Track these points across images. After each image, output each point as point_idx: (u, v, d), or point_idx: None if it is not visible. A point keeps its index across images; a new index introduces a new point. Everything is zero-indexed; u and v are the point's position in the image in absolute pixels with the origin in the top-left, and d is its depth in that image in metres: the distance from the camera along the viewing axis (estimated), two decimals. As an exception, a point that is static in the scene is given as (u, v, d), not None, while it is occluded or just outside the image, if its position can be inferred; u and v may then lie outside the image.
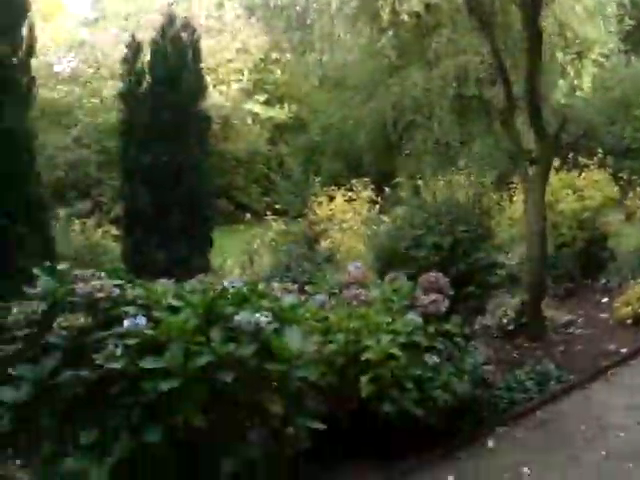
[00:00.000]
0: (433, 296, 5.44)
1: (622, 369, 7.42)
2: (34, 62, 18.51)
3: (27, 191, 6.42)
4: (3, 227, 6.24)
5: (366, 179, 14.71)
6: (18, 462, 5.33)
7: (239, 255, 11.64)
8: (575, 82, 23.80)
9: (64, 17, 28.43)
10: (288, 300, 4.52)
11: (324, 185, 14.29)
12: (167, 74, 8.13)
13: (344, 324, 5.26)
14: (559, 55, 21.91)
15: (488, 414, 5.74)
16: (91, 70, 21.23)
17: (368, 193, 13.89)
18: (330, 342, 5.18)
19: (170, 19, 8.52)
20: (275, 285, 4.86)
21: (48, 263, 4.39)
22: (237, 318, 3.97)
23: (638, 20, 27.70)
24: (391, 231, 7.29)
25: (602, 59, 24.21)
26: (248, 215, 16.11)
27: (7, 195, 6.24)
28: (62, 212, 11.71)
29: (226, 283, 4.38)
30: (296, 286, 5.26)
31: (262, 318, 3.96)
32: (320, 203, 13.42)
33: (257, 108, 22.92)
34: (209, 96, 19.15)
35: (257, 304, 4.30)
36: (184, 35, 8.42)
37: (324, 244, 12.19)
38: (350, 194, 13.75)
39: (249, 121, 22.70)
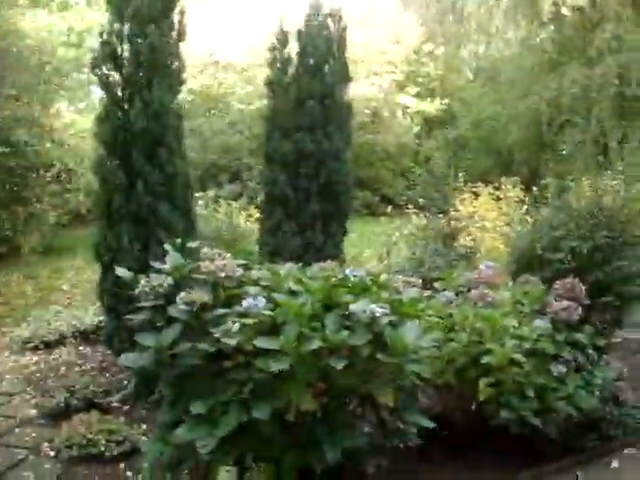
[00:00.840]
0: (565, 303, 5.19)
1: None
2: (196, 50, 19.43)
3: (173, 171, 6.71)
4: (146, 205, 6.57)
5: (516, 178, 14.29)
6: (144, 427, 5.68)
7: (378, 246, 11.68)
8: None
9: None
10: (409, 294, 4.47)
11: (472, 181, 14.01)
12: (312, 63, 8.20)
13: (468, 323, 5.13)
14: None
15: (616, 433, 5.40)
16: (246, 58, 21.84)
17: (516, 192, 13.47)
18: (451, 340, 5.08)
19: (316, 8, 8.58)
20: (399, 278, 4.81)
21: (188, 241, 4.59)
22: (352, 307, 3.98)
23: None
24: (529, 232, 7.03)
25: None
26: (390, 208, 16.11)
27: (152, 174, 6.55)
28: (210, 193, 12.24)
29: (347, 272, 4.40)
30: (420, 281, 5.17)
31: (378, 309, 3.93)
32: (464, 200, 13.17)
33: (408, 101, 22.76)
34: (360, 87, 19.40)
35: (376, 295, 4.28)
36: (330, 24, 8.46)
37: (463, 242, 11.96)
38: (498, 193, 13.41)
39: (399, 114, 22.58)
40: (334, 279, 4.35)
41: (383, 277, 4.55)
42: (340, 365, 3.81)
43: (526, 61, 21.21)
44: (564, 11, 19.23)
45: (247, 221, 11.58)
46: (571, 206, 6.83)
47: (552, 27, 19.64)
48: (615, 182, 8.15)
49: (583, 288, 5.44)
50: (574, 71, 18.27)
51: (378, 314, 3.93)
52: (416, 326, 4.15)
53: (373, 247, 12.64)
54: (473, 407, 5.02)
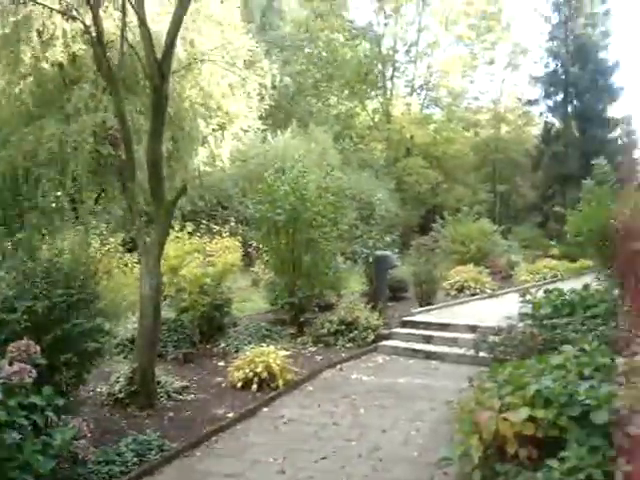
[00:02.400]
0: (17, 366, 4.97)
1: (226, 434, 7.62)
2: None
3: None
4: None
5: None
6: None
7: None
8: (215, 152, 24.96)
9: None
10: None
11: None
12: None
13: None
14: (202, 124, 22.77)
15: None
16: None
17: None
18: None
19: None
20: None
21: None
22: None
23: (277, 102, 30.37)
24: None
25: (242, 133, 25.84)
26: None
27: None
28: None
29: None
30: None
31: None
32: None
33: None
34: None
35: None
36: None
37: None
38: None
39: None
40: None
41: None
42: None
43: (4, 111, 20.45)
44: (45, 65, 19.17)
45: None
46: (26, 264, 6.65)
47: (31, 79, 19.31)
48: (84, 237, 8.31)
49: (38, 349, 5.29)
50: (52, 126, 18.28)
51: None
52: None
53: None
54: None
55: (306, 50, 37.55)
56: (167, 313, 11.16)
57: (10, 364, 5.09)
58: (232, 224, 16.53)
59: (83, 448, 5.65)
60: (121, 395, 8.26)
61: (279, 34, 38.50)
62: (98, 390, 8.77)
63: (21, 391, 5.06)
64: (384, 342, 11.97)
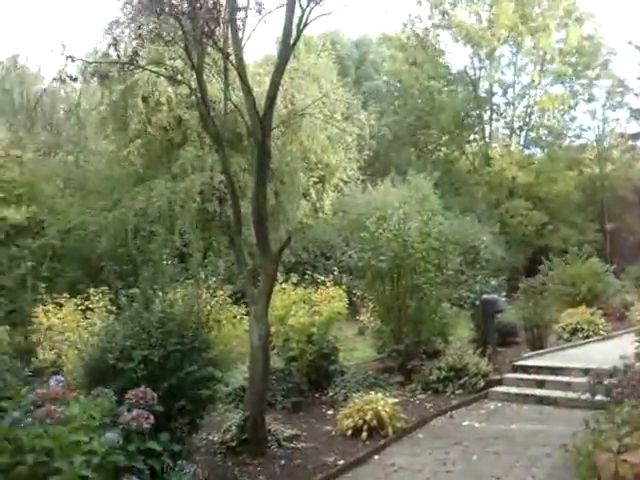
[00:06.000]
0: (135, 412, 5.19)
1: (335, 483, 7.60)
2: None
3: None
4: None
5: (105, 287, 14.14)
6: None
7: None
8: (317, 204, 25.48)
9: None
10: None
11: (60, 292, 13.51)
12: None
13: (35, 443, 4.80)
14: (303, 178, 23.35)
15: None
16: None
17: (105, 302, 13.31)
18: (18, 464, 4.69)
19: None
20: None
21: None
22: None
23: (376, 152, 30.78)
24: (101, 342, 6.94)
25: (342, 184, 26.28)
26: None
27: None
28: None
29: None
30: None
31: None
32: (47, 311, 12.63)
33: (-9, 207, 21.41)
34: None
35: None
36: None
37: (47, 355, 11.40)
38: (87, 303, 13.07)
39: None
40: None
41: None
42: None
43: (115, 173, 21.71)
44: (151, 129, 20.29)
45: None
46: (142, 315, 6.96)
47: (139, 142, 20.45)
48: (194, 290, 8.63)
49: (155, 396, 5.51)
50: (160, 185, 19.22)
51: None
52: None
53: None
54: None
55: (402, 99, 37.88)
56: (275, 362, 11.33)
57: (129, 411, 5.31)
58: (335, 273, 16.67)
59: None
60: (233, 443, 8.41)
61: (374, 85, 39.14)
62: (210, 438, 8.94)
63: (139, 437, 5.25)
64: (495, 388, 11.67)
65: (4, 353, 9.30)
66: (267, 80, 17.41)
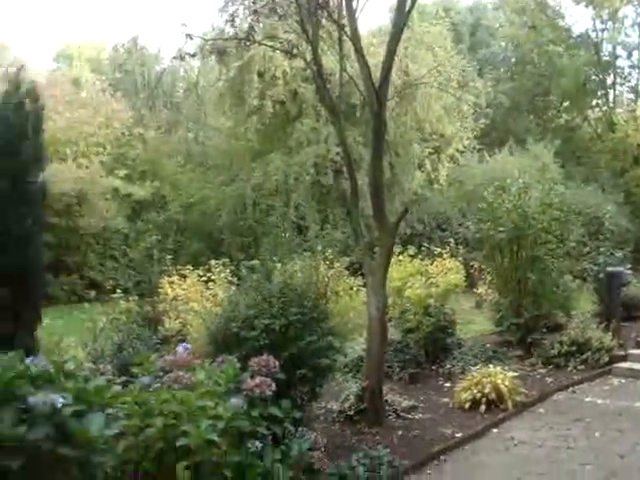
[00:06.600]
0: (259, 379, 5.33)
1: (455, 454, 7.56)
2: None
3: None
4: None
5: (226, 259, 14.57)
6: None
7: (84, 333, 11.11)
8: (432, 175, 25.15)
9: None
10: (95, 382, 4.27)
11: (183, 264, 14.05)
12: (4, 142, 7.72)
13: (164, 407, 5.02)
14: (417, 149, 23.10)
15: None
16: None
17: (226, 274, 13.71)
18: (148, 426, 4.92)
19: (16, 85, 8.17)
20: (87, 366, 4.58)
21: None
22: (32, 399, 3.68)
23: (493, 120, 29.95)
24: (225, 311, 7.18)
25: (457, 155, 25.80)
26: (94, 293, 15.59)
27: None
28: None
29: (28, 361, 4.09)
30: (109, 367, 4.98)
31: (59, 399, 3.68)
32: (172, 283, 13.15)
33: (117, 183, 22.54)
34: (65, 168, 18.78)
35: (61, 385, 4.02)
36: (27, 102, 8.09)
37: (173, 324, 11.89)
38: (209, 274, 13.52)
39: (108, 196, 22.24)
40: (12, 370, 4.01)
41: (68, 365, 4.30)
42: (15, 463, 3.48)
43: (233, 148, 22.23)
44: (267, 103, 20.60)
45: None
46: (263, 286, 7.15)
47: (255, 118, 20.83)
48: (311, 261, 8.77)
49: (277, 364, 5.63)
50: (277, 159, 19.52)
51: (59, 405, 3.68)
52: (101, 415, 3.96)
53: (78, 334, 12.01)
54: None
55: (519, 65, 36.61)
56: (392, 334, 11.33)
57: (252, 378, 5.46)
58: (452, 245, 16.46)
59: (318, 459, 5.90)
60: (351, 412, 8.48)
61: (490, 51, 38.01)
62: (328, 407, 9.08)
63: (262, 403, 5.40)
64: (619, 364, 11.22)
65: (133, 322, 9.82)
66: (381, 51, 17.31)
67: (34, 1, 56.77)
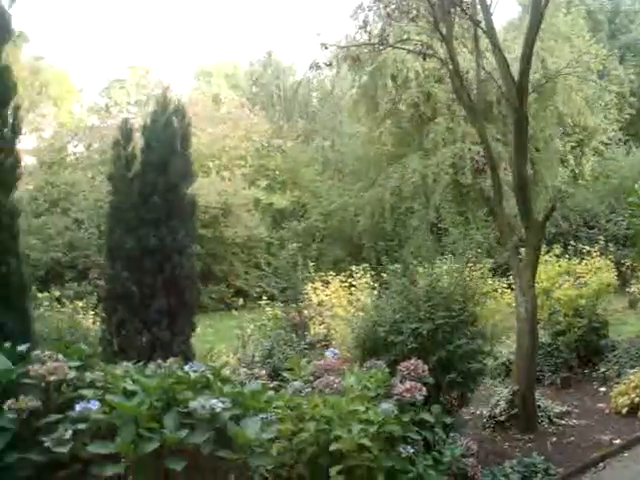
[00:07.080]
0: (409, 384, 5.28)
1: (613, 461, 7.19)
2: (43, 145, 19.12)
3: (6, 271, 6.33)
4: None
5: (365, 265, 14.67)
6: None
7: (233, 340, 11.53)
8: (576, 170, 24.12)
9: (74, 102, 29.56)
10: (251, 386, 4.39)
11: (324, 270, 14.29)
12: (156, 158, 8.15)
13: (316, 412, 5.09)
14: (559, 144, 22.24)
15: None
16: (97, 155, 21.71)
17: (367, 279, 13.81)
18: (301, 431, 5.01)
19: (163, 105, 8.62)
20: (242, 371, 4.72)
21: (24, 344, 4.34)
22: (192, 404, 3.84)
23: (638, 110, 28.30)
24: (372, 316, 7.20)
25: (602, 147, 24.59)
26: (241, 300, 16.13)
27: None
28: (55, 293, 11.70)
29: (187, 368, 4.27)
30: (263, 372, 5.11)
31: (219, 404, 3.81)
32: (315, 289, 13.38)
33: (259, 194, 23.24)
34: (210, 181, 19.58)
35: (218, 390, 4.17)
36: (175, 120, 8.50)
37: (318, 330, 12.09)
38: (350, 280, 13.68)
39: (250, 207, 22.96)
40: (173, 376, 4.20)
41: (225, 371, 4.45)
42: (180, 466, 3.64)
43: (369, 154, 22.31)
44: (400, 106, 20.53)
45: (95, 321, 11.13)
46: (409, 290, 7.10)
47: (389, 122, 20.81)
48: (453, 264, 8.61)
49: (425, 368, 5.57)
50: (413, 162, 19.39)
51: (219, 409, 3.81)
52: (258, 419, 4.06)
53: (228, 341, 12.47)
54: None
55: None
56: (542, 337, 10.93)
57: (401, 382, 5.42)
58: (601, 243, 15.69)
59: (471, 466, 5.77)
60: (502, 417, 8.27)
61: (632, 37, 35.94)
62: (477, 412, 8.90)
63: (412, 408, 5.35)
64: None
65: (281, 328, 10.05)
66: (515, 46, 16.82)
67: (172, 24, 59.68)
